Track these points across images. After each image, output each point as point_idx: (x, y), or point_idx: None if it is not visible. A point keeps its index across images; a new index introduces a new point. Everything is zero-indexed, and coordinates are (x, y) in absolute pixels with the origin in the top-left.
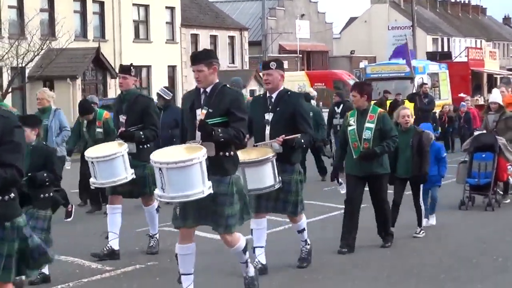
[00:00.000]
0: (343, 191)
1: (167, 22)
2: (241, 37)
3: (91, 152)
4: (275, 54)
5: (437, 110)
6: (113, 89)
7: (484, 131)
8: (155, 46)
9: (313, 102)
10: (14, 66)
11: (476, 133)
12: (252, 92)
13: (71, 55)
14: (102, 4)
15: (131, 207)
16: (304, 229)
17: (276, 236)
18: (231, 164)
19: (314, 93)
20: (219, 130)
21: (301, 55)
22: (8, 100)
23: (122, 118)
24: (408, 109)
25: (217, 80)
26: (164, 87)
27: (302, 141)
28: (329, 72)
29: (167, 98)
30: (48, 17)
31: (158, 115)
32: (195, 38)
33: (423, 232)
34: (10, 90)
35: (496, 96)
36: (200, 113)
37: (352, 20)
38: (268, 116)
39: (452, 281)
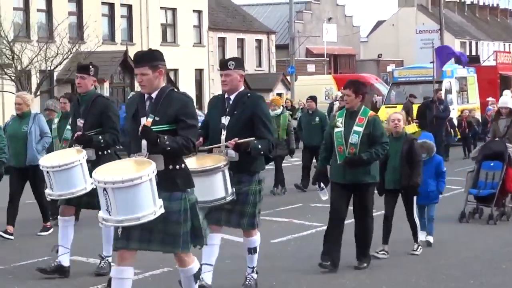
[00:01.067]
0: (325, 197)
1: (194, 26)
2: (268, 41)
3: (46, 161)
4: (302, 58)
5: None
6: None
7: (496, 138)
8: (182, 49)
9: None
10: (43, 69)
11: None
12: (279, 95)
13: (99, 58)
14: (130, 8)
15: None
16: (256, 249)
17: (303, 240)
18: (182, 178)
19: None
20: (165, 138)
21: (328, 59)
22: (36, 103)
23: (80, 122)
24: (399, 113)
25: (164, 84)
26: (32, 93)
27: (259, 146)
28: (356, 75)
29: None
30: (76, 20)
31: (118, 118)
32: (222, 41)
33: (420, 248)
34: (38, 93)
35: (507, 100)
36: (146, 122)
37: (379, 23)
38: (225, 120)
39: (481, 287)
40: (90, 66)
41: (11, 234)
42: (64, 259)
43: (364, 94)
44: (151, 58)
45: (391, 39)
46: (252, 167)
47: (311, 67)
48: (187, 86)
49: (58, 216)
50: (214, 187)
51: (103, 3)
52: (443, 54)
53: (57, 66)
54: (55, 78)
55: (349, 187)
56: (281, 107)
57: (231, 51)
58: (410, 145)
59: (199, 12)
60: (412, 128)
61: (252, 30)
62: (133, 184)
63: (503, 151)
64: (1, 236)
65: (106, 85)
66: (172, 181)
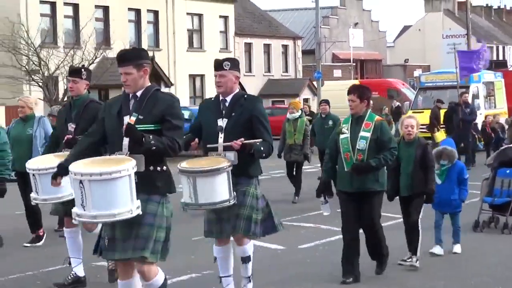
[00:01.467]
0: (327, 212)
1: (220, 31)
2: (295, 46)
3: (33, 163)
4: (329, 63)
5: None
6: None
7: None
8: (208, 55)
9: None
10: None
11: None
12: (305, 100)
13: None
14: (156, 13)
15: (188, 215)
16: (250, 257)
17: (331, 246)
18: (164, 181)
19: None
20: (150, 137)
21: (354, 64)
22: None
23: (71, 127)
24: (413, 119)
25: (149, 84)
26: (59, 99)
27: (262, 148)
28: (383, 80)
29: None
30: (103, 26)
31: None
32: (248, 47)
33: (417, 261)
34: (65, 99)
35: None
36: (129, 120)
37: (406, 28)
38: (222, 123)
39: None
40: (83, 70)
41: (41, 239)
42: (79, 270)
43: (369, 98)
44: (135, 57)
45: (418, 44)
46: (250, 170)
47: (337, 72)
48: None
49: (64, 228)
50: (219, 189)
51: (129, 9)
52: (469, 58)
53: None
54: None
55: (356, 196)
56: (300, 111)
57: (257, 57)
58: (423, 150)
59: (226, 18)
60: (440, 135)
61: (278, 35)
62: (111, 177)
63: None
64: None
65: None
66: (152, 184)
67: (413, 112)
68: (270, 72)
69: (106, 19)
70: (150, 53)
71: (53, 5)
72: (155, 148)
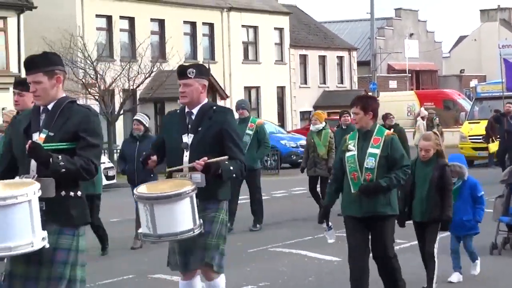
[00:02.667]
0: (331, 239)
1: (276, 43)
2: (350, 57)
3: None
4: (384, 74)
5: None
6: None
7: None
8: (264, 67)
9: (423, 122)
10: (126, 88)
11: None
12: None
13: None
14: (211, 26)
15: (244, 228)
16: None
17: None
18: (78, 209)
19: (425, 113)
20: (59, 157)
21: (410, 75)
22: (119, 122)
23: None
24: (430, 141)
25: (63, 94)
26: (143, 112)
27: (231, 168)
28: (439, 91)
29: (147, 125)
30: (158, 39)
31: None
32: (303, 58)
33: None
34: (121, 112)
35: None
36: (38, 138)
37: (461, 38)
38: (187, 138)
39: None
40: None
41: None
42: None
43: (375, 110)
44: (45, 63)
45: (474, 54)
46: (219, 194)
47: (393, 83)
48: (269, 103)
49: None
50: (181, 217)
51: (185, 22)
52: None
53: (139, 85)
54: (138, 97)
55: (365, 222)
56: (324, 123)
57: (313, 68)
58: (441, 170)
59: (281, 30)
60: (494, 146)
61: (334, 47)
62: (5, 204)
63: None
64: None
65: None
66: (65, 212)
67: (469, 123)
68: (325, 83)
69: (161, 32)
70: (206, 65)
71: (109, 19)
72: (64, 171)
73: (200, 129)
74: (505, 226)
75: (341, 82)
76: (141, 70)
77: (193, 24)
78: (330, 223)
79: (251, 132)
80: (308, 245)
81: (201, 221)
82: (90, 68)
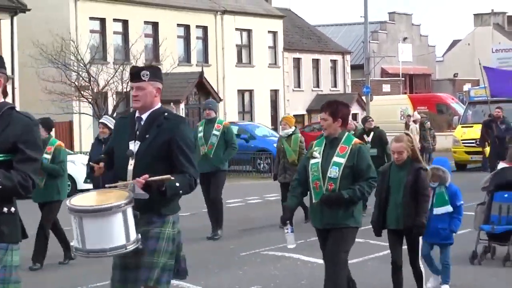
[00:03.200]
0: (291, 245)
1: (269, 47)
2: (344, 61)
3: None
4: (378, 78)
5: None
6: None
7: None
8: (257, 70)
9: (416, 126)
10: (119, 91)
11: (499, 166)
12: (353, 116)
13: (174, 80)
14: (205, 29)
15: (236, 231)
16: None
17: (380, 261)
18: (10, 226)
19: (417, 116)
20: None
21: (403, 78)
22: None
23: None
24: (402, 143)
25: (2, 100)
26: (109, 115)
27: (177, 184)
28: (432, 95)
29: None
30: (152, 42)
31: None
32: (297, 62)
33: None
34: (115, 114)
35: None
36: None
37: (455, 42)
38: (134, 146)
39: None
40: None
41: None
42: None
43: (345, 117)
44: None
45: (467, 58)
46: (163, 209)
47: (386, 87)
48: (262, 106)
49: None
50: (112, 232)
51: (178, 25)
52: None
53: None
54: (131, 99)
55: (327, 234)
56: (294, 127)
57: (306, 72)
58: (416, 175)
59: (274, 33)
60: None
61: (327, 50)
62: None
63: None
64: None
65: (182, 106)
66: None
67: (462, 127)
68: (319, 87)
69: (155, 35)
70: (199, 69)
71: (102, 22)
72: (1, 188)
73: (147, 136)
74: (486, 235)
75: (335, 85)
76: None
77: (186, 27)
78: (291, 227)
79: (218, 133)
80: (301, 248)
81: (139, 236)
82: (83, 70)
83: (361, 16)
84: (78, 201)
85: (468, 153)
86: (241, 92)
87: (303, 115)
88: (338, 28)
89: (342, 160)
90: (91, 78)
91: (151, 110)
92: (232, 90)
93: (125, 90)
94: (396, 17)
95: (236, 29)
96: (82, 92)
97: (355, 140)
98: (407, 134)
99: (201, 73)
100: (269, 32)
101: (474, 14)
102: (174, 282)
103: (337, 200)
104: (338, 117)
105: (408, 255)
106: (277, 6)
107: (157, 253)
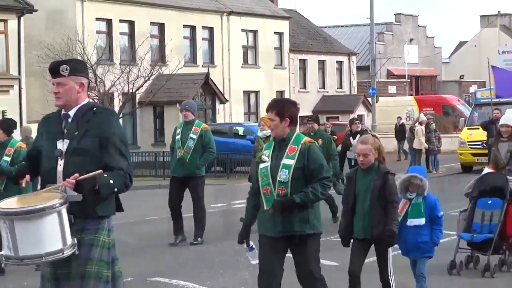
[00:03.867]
0: (254, 261)
1: (275, 48)
2: (349, 62)
3: None
4: (384, 79)
5: None
6: (222, 115)
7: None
8: (263, 71)
9: (422, 127)
10: (125, 92)
11: (484, 171)
12: (359, 117)
13: (180, 81)
14: (211, 30)
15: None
16: None
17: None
18: None
19: (423, 118)
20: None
21: (409, 80)
22: None
23: None
24: (367, 144)
25: (86, 100)
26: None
27: (111, 181)
28: (438, 97)
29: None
30: (158, 43)
31: None
32: (303, 63)
33: None
34: (121, 115)
35: (509, 116)
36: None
37: (461, 44)
38: (62, 145)
39: None
40: None
41: None
42: None
43: (293, 116)
44: None
45: (473, 60)
46: (99, 210)
47: (392, 89)
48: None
49: None
50: (47, 235)
51: (184, 26)
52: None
53: (138, 88)
54: (137, 100)
55: (282, 242)
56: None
57: (312, 73)
58: (383, 179)
59: (280, 34)
60: None
61: (333, 51)
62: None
63: (503, 185)
64: None
65: None
66: None
67: (468, 129)
68: (324, 88)
69: (161, 36)
70: (205, 70)
71: (109, 22)
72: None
73: (76, 133)
74: (467, 244)
75: (340, 87)
76: (141, 73)
77: (193, 28)
78: (251, 243)
79: (195, 136)
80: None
81: (75, 241)
82: (90, 71)
83: (367, 18)
84: (6, 204)
85: (474, 155)
86: (247, 93)
87: (308, 116)
88: (344, 29)
89: (292, 162)
90: (98, 79)
91: (78, 106)
92: (238, 91)
93: (131, 91)
94: (402, 18)
95: (242, 30)
96: (88, 92)
97: (305, 139)
98: (373, 135)
99: (207, 74)
100: (275, 33)
101: (480, 16)
102: (180, 282)
103: (288, 205)
104: (286, 117)
105: (380, 272)
106: (283, 7)
107: (91, 261)
